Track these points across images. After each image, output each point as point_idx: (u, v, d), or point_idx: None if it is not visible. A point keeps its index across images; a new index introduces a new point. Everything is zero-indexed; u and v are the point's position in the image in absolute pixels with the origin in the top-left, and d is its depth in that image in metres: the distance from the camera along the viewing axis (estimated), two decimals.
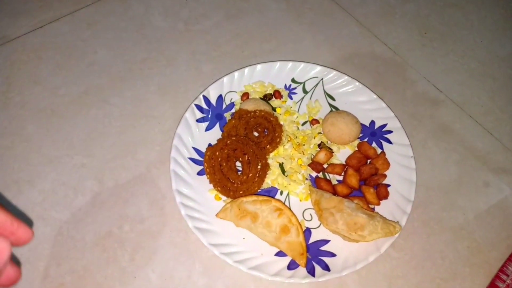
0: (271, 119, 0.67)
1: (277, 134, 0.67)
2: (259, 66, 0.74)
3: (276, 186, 0.65)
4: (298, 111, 0.72)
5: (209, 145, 0.68)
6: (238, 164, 0.66)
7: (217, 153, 0.63)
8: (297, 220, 0.60)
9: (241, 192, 0.63)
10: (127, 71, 0.77)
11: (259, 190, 0.64)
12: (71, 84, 0.75)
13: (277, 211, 0.59)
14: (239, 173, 0.65)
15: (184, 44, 0.81)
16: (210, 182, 0.64)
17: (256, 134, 0.68)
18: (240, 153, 0.64)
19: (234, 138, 0.64)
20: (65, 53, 0.79)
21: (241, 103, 0.71)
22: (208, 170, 0.63)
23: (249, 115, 0.67)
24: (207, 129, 0.69)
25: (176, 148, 0.66)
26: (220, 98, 0.72)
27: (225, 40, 0.82)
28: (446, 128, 0.73)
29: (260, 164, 0.64)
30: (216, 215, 0.61)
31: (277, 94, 0.72)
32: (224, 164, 0.63)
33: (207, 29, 0.83)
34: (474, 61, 0.81)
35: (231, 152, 0.64)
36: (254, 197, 0.61)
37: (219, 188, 0.63)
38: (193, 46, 0.81)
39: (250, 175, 0.63)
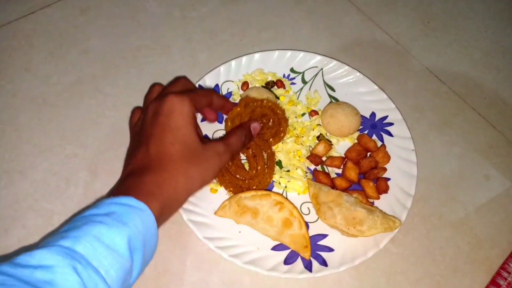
0: (278, 111, 0.65)
1: (282, 128, 0.65)
2: (256, 55, 0.72)
3: (274, 180, 0.64)
4: None
5: (206, 136, 0.66)
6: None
7: None
8: (299, 212, 0.58)
9: (254, 187, 0.61)
10: (121, 59, 0.75)
11: (271, 181, 0.63)
12: (63, 73, 0.73)
13: (277, 204, 0.58)
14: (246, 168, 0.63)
15: (179, 32, 0.78)
16: (221, 185, 0.62)
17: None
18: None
19: None
20: (57, 40, 0.77)
21: (243, 92, 0.69)
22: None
23: (255, 103, 0.64)
24: (203, 119, 0.67)
25: None
26: (216, 87, 0.70)
27: (221, 28, 0.79)
28: (448, 121, 0.71)
29: (265, 154, 0.62)
30: (214, 213, 0.59)
31: (279, 83, 0.70)
32: (230, 163, 0.61)
33: (203, 16, 0.80)
34: (478, 52, 0.79)
35: None
36: (253, 192, 0.59)
37: (231, 189, 0.61)
38: (189, 33, 0.78)
39: (259, 168, 0.61)
